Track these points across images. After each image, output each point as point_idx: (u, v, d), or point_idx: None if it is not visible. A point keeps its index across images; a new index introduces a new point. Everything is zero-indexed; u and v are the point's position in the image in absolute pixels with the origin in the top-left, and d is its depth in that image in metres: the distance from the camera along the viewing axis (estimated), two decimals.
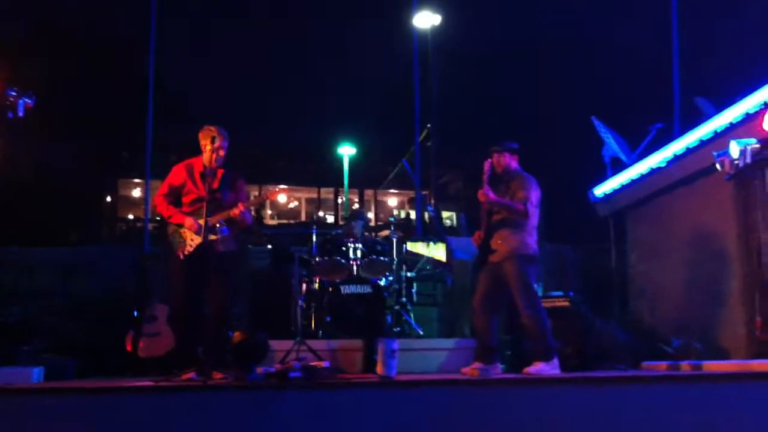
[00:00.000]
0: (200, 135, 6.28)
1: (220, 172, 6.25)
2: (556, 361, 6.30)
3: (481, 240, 6.66)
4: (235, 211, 6.09)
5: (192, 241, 6.11)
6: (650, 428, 4.98)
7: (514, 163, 6.75)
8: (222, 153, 6.21)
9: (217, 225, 6.05)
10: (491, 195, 6.49)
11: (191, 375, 5.75)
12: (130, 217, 30.80)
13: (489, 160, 6.65)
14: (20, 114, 5.57)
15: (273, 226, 25.33)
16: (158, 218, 6.82)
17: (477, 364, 6.38)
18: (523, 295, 6.39)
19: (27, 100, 5.53)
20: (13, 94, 5.37)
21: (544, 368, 6.19)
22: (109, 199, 30.59)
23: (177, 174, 6.34)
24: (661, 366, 6.98)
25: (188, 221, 6.13)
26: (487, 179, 6.54)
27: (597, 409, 5.06)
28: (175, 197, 6.31)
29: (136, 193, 30.85)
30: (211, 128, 6.24)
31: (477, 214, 6.86)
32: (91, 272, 9.09)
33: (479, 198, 6.54)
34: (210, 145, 6.15)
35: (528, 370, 6.22)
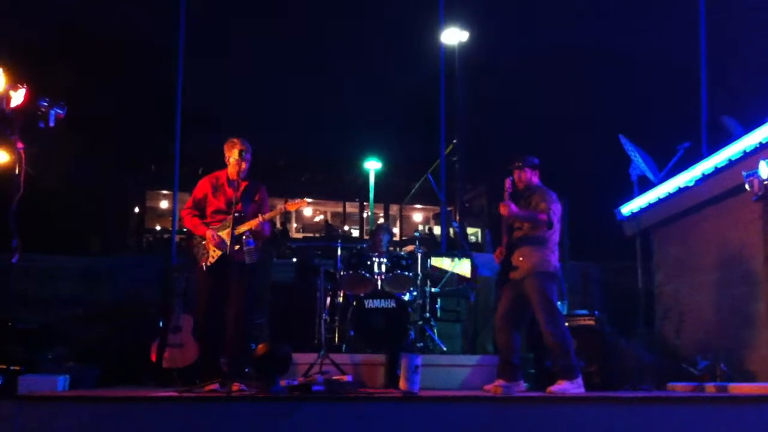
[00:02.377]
0: (225, 147, 6.33)
1: (243, 184, 6.28)
2: (580, 380, 6.23)
3: (502, 256, 6.64)
4: (255, 223, 6.10)
5: (214, 252, 6.13)
6: None
7: (535, 179, 6.73)
8: (245, 165, 6.24)
9: (244, 237, 6.05)
10: (513, 207, 6.45)
11: (215, 386, 5.78)
12: (157, 228, 31.04)
13: (510, 177, 6.63)
14: (51, 124, 5.65)
15: (298, 240, 25.42)
16: (185, 230, 6.87)
17: (500, 381, 6.35)
18: (545, 312, 6.34)
19: (59, 111, 5.60)
20: (45, 104, 5.43)
21: (568, 387, 6.12)
22: (137, 210, 30.86)
23: (201, 187, 6.40)
24: (687, 387, 6.91)
25: (209, 234, 6.17)
26: (509, 194, 6.52)
27: (619, 429, 5.02)
28: (200, 210, 6.36)
29: (164, 204, 31.08)
30: (235, 140, 6.29)
31: (500, 231, 6.83)
32: (117, 281, 9.17)
33: (501, 211, 6.50)
34: (234, 158, 6.20)
35: (552, 389, 6.15)
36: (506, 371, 6.44)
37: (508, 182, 6.58)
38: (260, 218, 6.12)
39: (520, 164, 6.70)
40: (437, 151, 11.64)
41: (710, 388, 6.55)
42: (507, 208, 6.43)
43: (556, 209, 6.53)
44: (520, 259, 6.49)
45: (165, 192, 29.80)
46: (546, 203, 6.48)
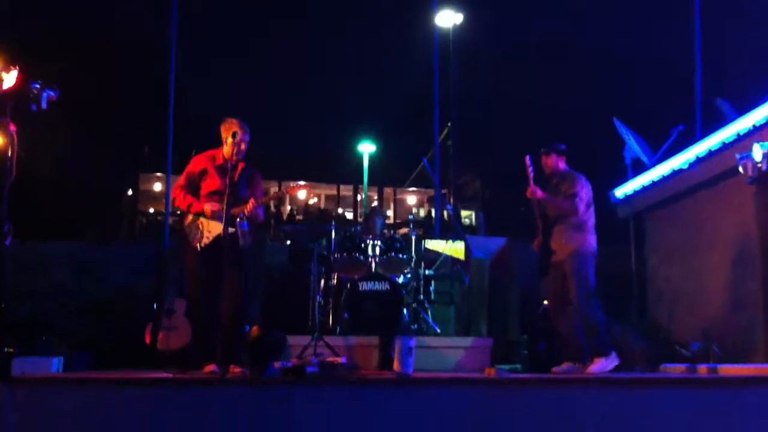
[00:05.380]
0: (222, 128, 6.24)
1: (240, 166, 6.22)
2: (614, 354, 6.39)
3: (540, 244, 6.66)
4: (249, 207, 6.04)
5: (209, 233, 6.07)
6: (667, 429, 4.96)
7: (561, 164, 6.76)
8: (243, 147, 6.17)
9: (238, 219, 6.01)
10: (539, 192, 6.50)
11: (209, 369, 5.78)
12: (151, 211, 30.95)
13: (528, 156, 6.61)
14: (44, 106, 5.61)
15: (292, 223, 25.37)
16: (179, 212, 6.82)
17: (567, 365, 6.47)
18: (581, 292, 6.43)
19: (50, 93, 5.56)
20: (37, 86, 5.39)
21: (605, 364, 6.28)
22: (130, 192, 30.75)
23: (197, 162, 6.29)
24: (679, 369, 6.94)
25: (208, 207, 6.08)
26: (533, 177, 6.52)
27: (613, 410, 5.04)
28: (193, 189, 6.25)
29: (157, 187, 30.99)
30: (233, 121, 6.20)
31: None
32: (110, 267, 9.14)
33: (527, 196, 6.57)
34: (231, 138, 6.09)
35: (591, 369, 6.30)
36: (572, 353, 6.54)
37: (527, 160, 6.57)
38: (253, 202, 6.07)
39: (546, 150, 6.75)
40: (431, 134, 11.63)
41: (703, 369, 6.59)
42: (533, 194, 6.48)
43: (584, 194, 6.58)
44: (562, 242, 6.56)
45: (158, 174, 29.71)
46: (572, 189, 6.53)
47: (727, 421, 4.98)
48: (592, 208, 6.66)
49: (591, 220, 6.62)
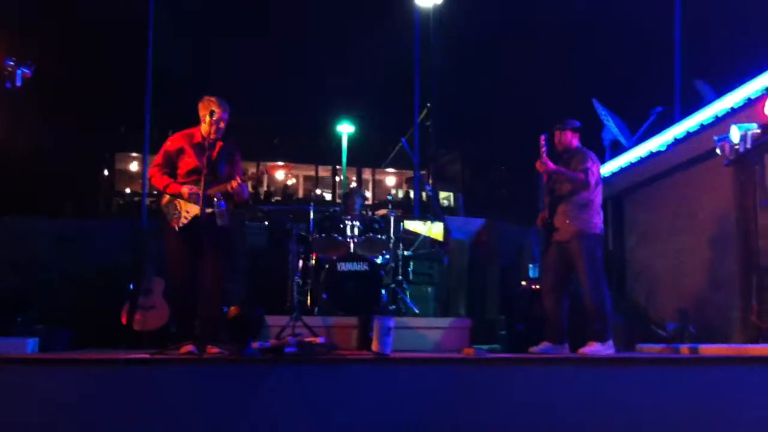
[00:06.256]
0: (200, 106, 6.14)
1: (219, 145, 6.12)
2: (611, 342, 6.31)
3: (544, 220, 6.64)
4: (234, 184, 6.00)
5: (187, 213, 6.01)
6: (642, 408, 5.01)
7: (575, 141, 6.71)
8: (222, 125, 6.07)
9: (215, 199, 5.95)
10: (550, 165, 6.43)
11: (186, 349, 5.75)
12: (127, 191, 30.73)
13: (544, 135, 6.54)
14: (18, 84, 5.53)
15: (271, 203, 25.30)
16: (155, 192, 6.75)
17: (545, 344, 6.41)
18: (590, 275, 6.36)
19: (25, 70, 5.50)
20: (11, 63, 5.32)
21: (600, 348, 6.20)
22: (106, 172, 30.51)
23: (174, 141, 6.18)
24: (655, 349, 7.00)
25: (186, 189, 6.01)
26: (546, 152, 6.46)
27: (590, 389, 5.08)
28: (170, 167, 6.16)
29: (134, 167, 30.75)
30: (212, 99, 6.10)
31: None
32: (88, 245, 9.04)
33: (538, 168, 6.50)
34: (210, 117, 5.99)
35: (583, 350, 6.23)
36: (552, 334, 6.49)
37: (542, 139, 6.51)
38: (239, 179, 6.02)
39: (561, 126, 6.70)
40: (411, 115, 11.58)
41: (684, 349, 6.63)
42: (544, 165, 6.42)
43: (595, 170, 6.53)
44: (567, 221, 6.49)
45: (134, 154, 29.47)
46: (584, 164, 6.48)
47: (706, 400, 5.03)
48: (600, 187, 6.59)
49: (598, 199, 6.55)
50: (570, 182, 6.47)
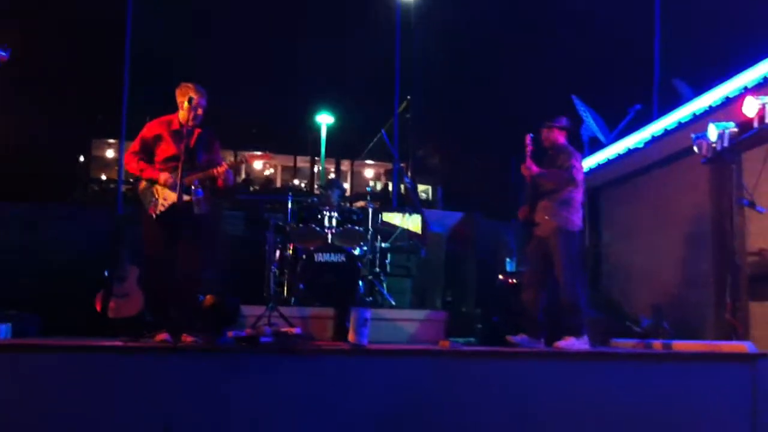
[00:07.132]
0: (177, 92, 6.06)
1: (197, 132, 6.06)
2: (586, 337, 6.37)
3: (526, 214, 6.68)
4: (220, 170, 5.92)
5: (165, 200, 5.94)
6: (615, 402, 5.05)
7: (561, 139, 6.76)
8: (200, 112, 6.01)
9: (192, 186, 5.89)
10: (534, 168, 6.51)
11: (161, 337, 5.70)
12: (103, 178, 30.41)
13: (530, 134, 6.62)
14: None
15: (249, 193, 25.13)
16: (132, 179, 6.67)
17: (522, 336, 6.44)
18: (567, 271, 6.41)
19: (1, 53, 5.41)
20: None
21: (574, 343, 6.24)
22: (82, 159, 30.17)
23: (151, 128, 6.10)
24: (629, 344, 7.05)
25: (163, 176, 5.93)
26: (530, 154, 6.53)
27: (565, 384, 5.11)
28: (147, 154, 6.08)
29: (110, 153, 30.44)
30: (189, 85, 6.03)
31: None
32: (62, 231, 8.95)
33: (522, 172, 6.57)
34: (188, 103, 5.93)
35: (559, 344, 6.26)
36: (529, 327, 6.52)
37: (528, 138, 6.58)
38: (225, 165, 5.96)
39: (550, 124, 6.75)
40: (391, 107, 11.56)
41: (652, 345, 6.69)
42: (528, 170, 6.49)
43: (580, 167, 6.59)
44: (546, 217, 6.55)
45: (111, 141, 29.17)
46: (569, 162, 6.55)
47: (678, 395, 5.08)
48: (582, 186, 6.68)
49: (579, 197, 6.62)
50: (555, 181, 6.54)
